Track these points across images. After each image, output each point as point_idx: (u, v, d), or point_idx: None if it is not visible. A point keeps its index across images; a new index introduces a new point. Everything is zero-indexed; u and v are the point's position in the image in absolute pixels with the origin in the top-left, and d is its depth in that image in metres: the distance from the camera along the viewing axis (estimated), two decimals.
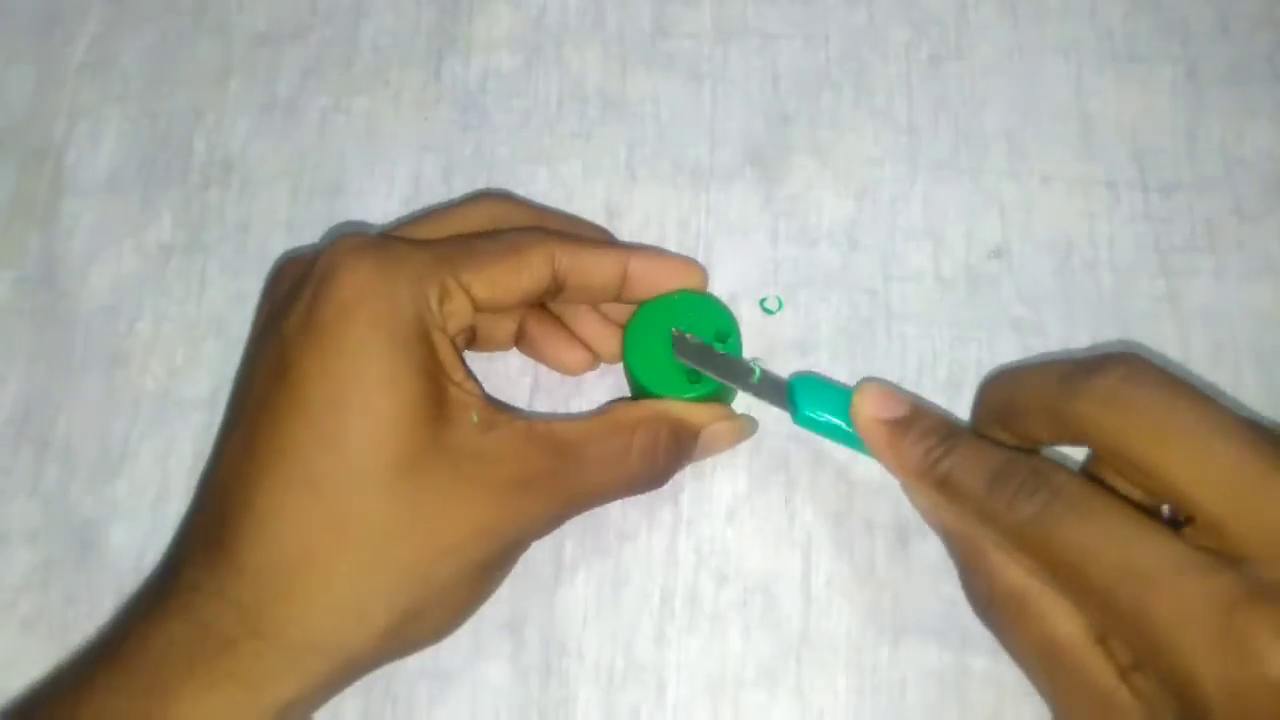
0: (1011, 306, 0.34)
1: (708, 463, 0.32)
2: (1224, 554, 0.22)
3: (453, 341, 0.28)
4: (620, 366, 0.32)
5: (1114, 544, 0.23)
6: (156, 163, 0.37)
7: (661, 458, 0.29)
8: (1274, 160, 0.35)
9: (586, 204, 0.35)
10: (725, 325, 0.31)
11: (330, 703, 0.30)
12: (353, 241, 0.27)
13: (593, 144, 0.36)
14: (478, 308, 0.28)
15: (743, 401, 0.32)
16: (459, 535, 0.26)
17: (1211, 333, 0.33)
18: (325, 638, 0.25)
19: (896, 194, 0.35)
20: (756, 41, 0.37)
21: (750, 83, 0.37)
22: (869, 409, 0.28)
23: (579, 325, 0.32)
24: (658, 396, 0.30)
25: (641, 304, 0.31)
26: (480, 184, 0.36)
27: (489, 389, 0.30)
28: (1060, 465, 0.25)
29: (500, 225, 0.31)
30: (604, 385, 0.33)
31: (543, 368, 0.33)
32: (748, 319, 0.34)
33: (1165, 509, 0.26)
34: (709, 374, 0.30)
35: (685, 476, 0.32)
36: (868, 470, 0.31)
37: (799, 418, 0.30)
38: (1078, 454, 0.30)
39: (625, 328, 0.31)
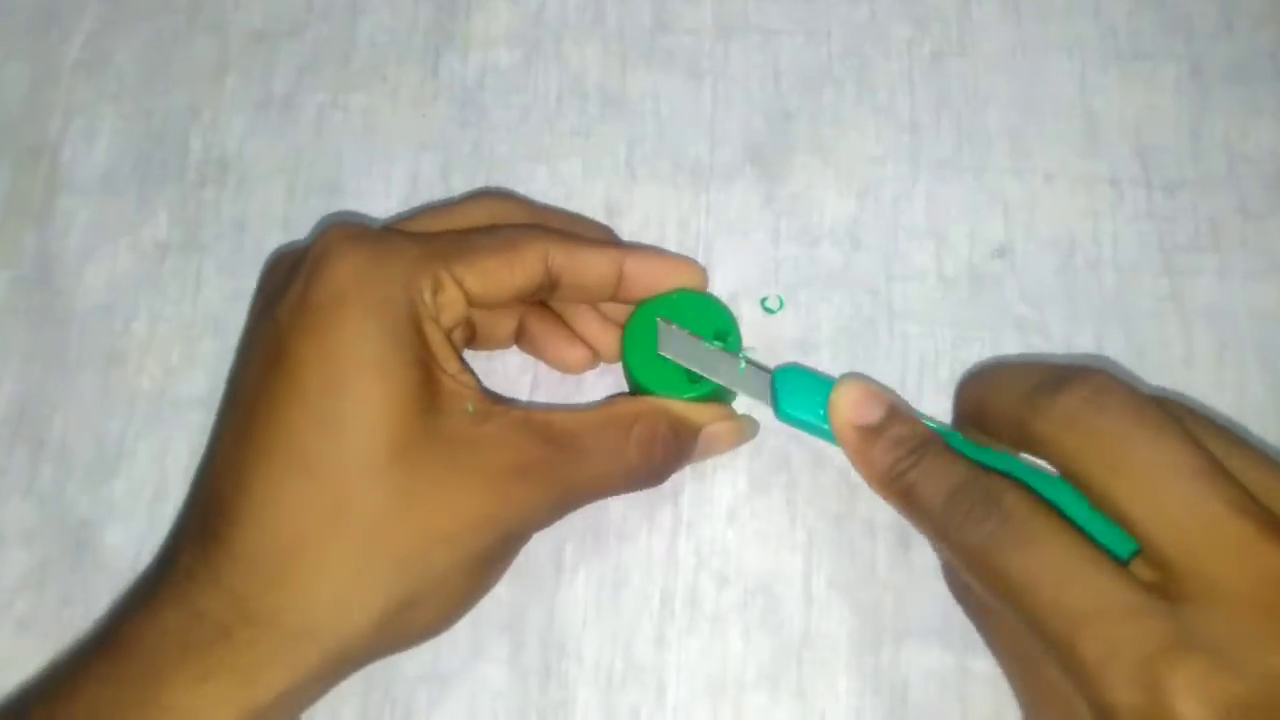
0: (1014, 306, 0.33)
1: (708, 463, 0.32)
2: (1165, 590, 0.22)
3: (448, 335, 0.28)
4: (620, 366, 0.32)
5: (1051, 578, 0.23)
6: (152, 161, 0.37)
7: (659, 452, 0.29)
8: (1278, 158, 0.35)
9: (586, 202, 0.35)
10: (725, 324, 0.31)
11: (329, 705, 0.30)
12: (345, 230, 0.27)
13: (592, 141, 0.36)
14: (471, 302, 0.28)
15: (743, 402, 0.32)
16: (455, 523, 0.26)
17: (1215, 332, 0.33)
18: (320, 625, 0.25)
19: (899, 192, 0.35)
20: (758, 38, 0.37)
21: (751, 80, 0.37)
22: (844, 413, 0.28)
23: (579, 324, 0.32)
24: (657, 396, 0.30)
25: (641, 303, 0.31)
26: (479, 182, 0.36)
27: (489, 387, 0.30)
28: (1016, 486, 0.25)
29: (499, 223, 0.31)
30: (604, 384, 0.33)
31: (543, 366, 0.33)
32: (749, 318, 0.34)
33: None
34: (694, 369, 0.30)
35: (685, 477, 0.32)
36: None
37: (779, 414, 0.30)
38: None
39: (624, 327, 0.31)
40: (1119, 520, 0.23)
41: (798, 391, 0.30)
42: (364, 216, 0.36)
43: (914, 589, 0.30)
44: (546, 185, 0.36)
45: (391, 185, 0.36)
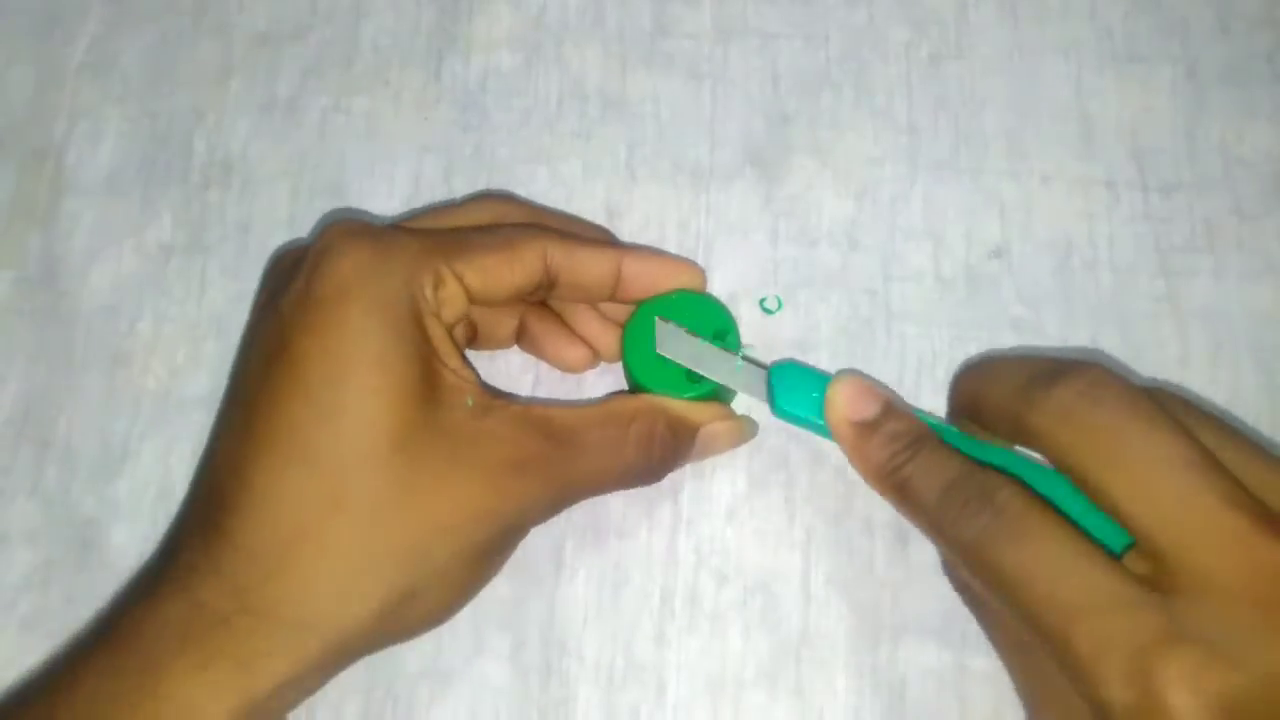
0: (1011, 306, 0.34)
1: (707, 462, 0.32)
2: (1158, 583, 0.23)
3: (449, 330, 0.28)
4: (620, 366, 0.32)
5: (1045, 573, 0.23)
6: (157, 163, 0.37)
7: (657, 450, 0.29)
8: (1274, 160, 0.35)
9: (586, 204, 0.36)
10: (724, 325, 0.31)
11: (332, 702, 0.30)
12: (348, 226, 0.28)
13: (593, 144, 0.36)
14: (472, 298, 0.28)
15: (743, 402, 0.32)
16: (455, 515, 0.26)
17: (1211, 333, 0.33)
18: (320, 616, 0.25)
19: (896, 194, 0.35)
20: (756, 41, 0.37)
21: (750, 82, 0.37)
22: (840, 408, 0.28)
23: (579, 324, 0.32)
24: (656, 395, 0.30)
25: (641, 303, 0.31)
26: (480, 184, 0.36)
27: (492, 385, 0.30)
28: (1010, 480, 0.25)
29: (500, 223, 0.31)
30: (604, 384, 0.33)
31: (544, 366, 0.34)
32: (747, 319, 0.34)
33: None
34: (692, 367, 0.30)
35: (685, 476, 0.32)
36: None
37: (775, 410, 0.30)
38: None
39: (624, 327, 0.31)
40: (1112, 513, 0.24)
41: (794, 388, 0.30)
42: (367, 215, 0.36)
43: (912, 587, 0.31)
44: (547, 187, 0.36)
45: (394, 187, 0.36)
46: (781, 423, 0.30)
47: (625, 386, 0.33)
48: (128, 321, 0.35)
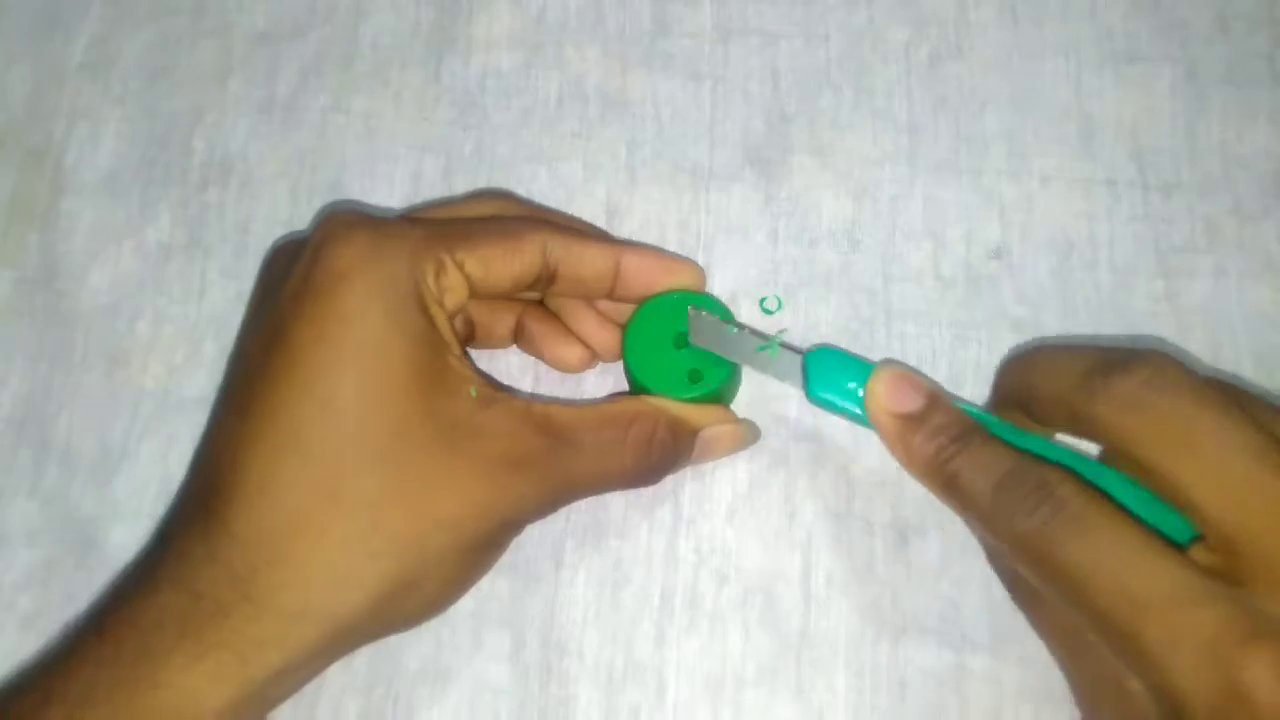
0: (1011, 306, 0.34)
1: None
2: (1229, 574, 0.22)
3: (450, 320, 0.28)
4: (620, 366, 0.32)
5: (1111, 566, 0.23)
6: (156, 163, 0.37)
7: (656, 452, 0.29)
8: (1273, 160, 0.35)
9: (586, 204, 0.36)
10: None
11: (332, 700, 0.30)
12: (347, 216, 0.28)
13: (593, 144, 0.36)
14: (472, 288, 0.28)
15: (744, 403, 0.32)
16: (453, 509, 0.26)
17: (1211, 332, 0.33)
18: (317, 604, 0.25)
19: (896, 194, 0.35)
20: (756, 41, 0.37)
21: (750, 82, 0.37)
22: (883, 401, 0.27)
23: (577, 323, 0.32)
24: (657, 396, 0.30)
25: (641, 303, 0.31)
26: (480, 184, 0.36)
27: None
28: (1069, 475, 0.24)
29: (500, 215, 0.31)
30: (604, 384, 0.33)
31: (543, 366, 0.33)
32: (748, 319, 0.34)
33: None
34: (727, 355, 0.30)
35: (685, 475, 0.32)
36: (867, 469, 0.31)
37: (810, 395, 0.29)
38: None
39: (625, 327, 0.31)
40: (1180, 503, 0.23)
41: (830, 372, 0.29)
42: (367, 207, 0.36)
43: (912, 587, 0.31)
44: (547, 187, 0.36)
45: (394, 187, 0.36)
46: (782, 424, 0.30)
47: (624, 387, 0.33)
48: (127, 321, 0.35)
